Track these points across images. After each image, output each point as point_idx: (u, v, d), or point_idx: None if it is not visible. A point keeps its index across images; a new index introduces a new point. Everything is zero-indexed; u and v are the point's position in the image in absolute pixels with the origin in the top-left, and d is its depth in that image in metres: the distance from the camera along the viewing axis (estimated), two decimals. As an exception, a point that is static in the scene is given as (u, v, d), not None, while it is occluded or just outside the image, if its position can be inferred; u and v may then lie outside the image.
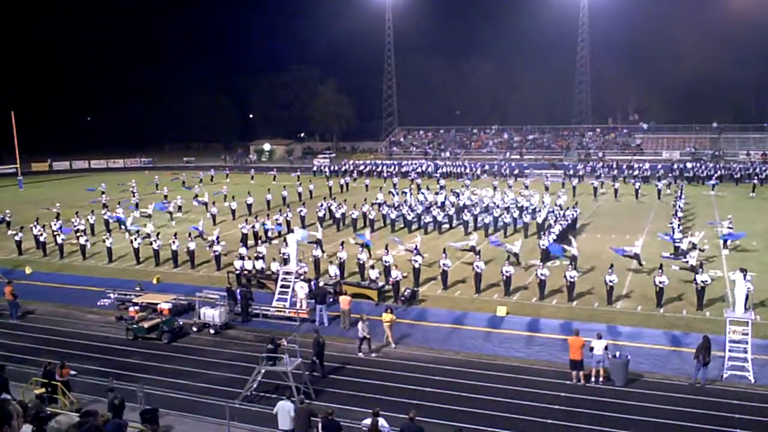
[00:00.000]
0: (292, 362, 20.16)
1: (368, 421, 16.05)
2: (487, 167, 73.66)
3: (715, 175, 61.40)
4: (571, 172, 66.13)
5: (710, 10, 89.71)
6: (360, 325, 23.53)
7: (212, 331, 26.51)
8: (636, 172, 64.06)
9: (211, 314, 26.80)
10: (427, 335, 25.58)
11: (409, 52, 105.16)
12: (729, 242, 36.04)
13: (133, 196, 56.66)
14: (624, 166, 69.05)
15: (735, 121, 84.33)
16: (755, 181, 57.57)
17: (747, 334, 21.09)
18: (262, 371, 20.40)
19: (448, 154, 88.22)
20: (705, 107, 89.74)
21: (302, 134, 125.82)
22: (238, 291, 28.54)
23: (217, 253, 35.31)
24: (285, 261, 30.37)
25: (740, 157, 75.42)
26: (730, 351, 21.04)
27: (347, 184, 64.24)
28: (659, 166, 66.33)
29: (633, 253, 32.30)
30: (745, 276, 22.13)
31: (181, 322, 26.86)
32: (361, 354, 23.64)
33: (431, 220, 43.49)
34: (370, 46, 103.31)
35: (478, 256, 30.91)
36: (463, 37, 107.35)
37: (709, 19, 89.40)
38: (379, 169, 74.58)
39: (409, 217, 44.00)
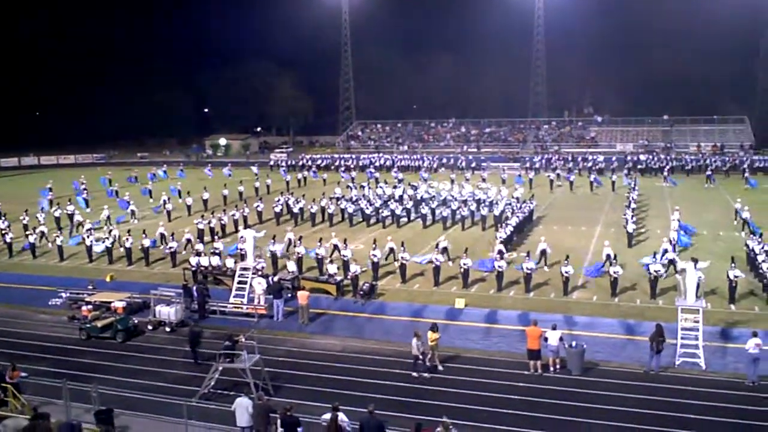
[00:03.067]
0: (251, 359, 19.94)
1: (328, 416, 15.97)
2: (444, 160, 74.05)
3: (667, 167, 62.66)
4: (528, 164, 66.89)
5: (662, 4, 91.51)
6: (414, 342, 20.98)
7: (168, 329, 26.07)
8: (590, 164, 65.10)
9: (167, 312, 26.35)
10: (387, 329, 25.58)
11: (366, 46, 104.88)
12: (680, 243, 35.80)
13: (85, 194, 55.33)
14: (579, 159, 70.14)
15: (686, 113, 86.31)
16: (708, 173, 58.82)
17: (698, 322, 21.59)
18: (220, 368, 20.13)
19: (405, 147, 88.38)
20: (658, 100, 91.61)
21: (259, 129, 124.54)
22: (194, 288, 28.10)
23: (172, 250, 34.73)
24: (242, 257, 30.04)
25: (691, 149, 77.21)
26: (682, 338, 21.50)
27: (305, 178, 63.87)
28: (613, 159, 67.49)
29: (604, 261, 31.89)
30: (695, 265, 22.64)
31: (135, 321, 26.32)
32: (414, 374, 21.17)
33: (389, 213, 43.53)
34: (327, 39, 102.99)
35: (436, 249, 31.01)
36: (420, 31, 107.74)
37: (661, 14, 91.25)
38: (336, 164, 74.41)
39: (367, 211, 43.98)
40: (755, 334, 20.28)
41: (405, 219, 43.94)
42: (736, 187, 54.49)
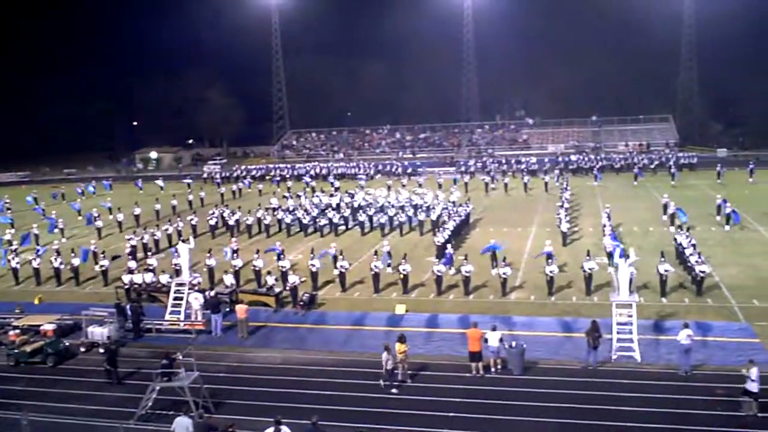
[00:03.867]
0: (189, 376, 19.44)
1: (271, 430, 15.69)
2: (380, 167, 74.27)
3: (597, 167, 64.38)
4: (463, 168, 67.70)
5: (590, 8, 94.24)
6: (384, 356, 20.31)
7: (102, 351, 25.17)
8: (523, 166, 66.35)
9: (100, 332, 25.49)
10: (328, 338, 25.38)
11: (298, 53, 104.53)
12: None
13: (9, 212, 53.18)
14: (513, 161, 71.37)
15: (614, 114, 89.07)
16: (636, 171, 60.67)
17: (632, 316, 22.17)
18: (157, 388, 19.55)
19: (341, 155, 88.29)
20: (586, 101, 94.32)
21: (191, 140, 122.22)
22: (128, 306, 27.27)
23: (103, 268, 33.63)
24: (177, 272, 29.32)
25: (620, 148, 79.61)
26: (617, 333, 22.03)
27: (240, 190, 63.01)
28: (546, 160, 68.93)
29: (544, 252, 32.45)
30: (627, 261, 23.23)
31: (67, 343, 25.34)
32: (382, 384, 20.53)
33: (327, 222, 43.29)
34: (257, 47, 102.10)
35: (375, 256, 30.97)
36: (352, 37, 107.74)
37: (588, 17, 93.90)
38: (272, 174, 73.68)
39: (304, 221, 43.64)
40: (686, 326, 20.95)
41: (343, 227, 43.79)
42: (663, 183, 56.36)
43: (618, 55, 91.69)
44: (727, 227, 38.90)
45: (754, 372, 17.81)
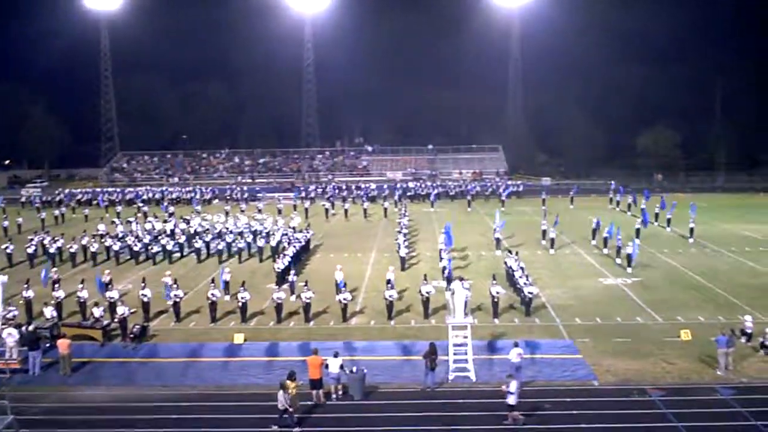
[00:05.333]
0: (3, 421, 17.49)
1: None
2: (218, 192, 72.44)
3: (434, 193, 66.73)
4: (303, 194, 67.59)
5: (425, 42, 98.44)
6: (280, 395, 19.02)
7: None
8: (363, 193, 67.38)
9: None
10: (161, 372, 23.88)
11: (130, 72, 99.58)
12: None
13: None
14: (353, 187, 72.30)
15: (448, 143, 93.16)
16: (469, 198, 63.60)
17: (467, 338, 22.86)
18: (-40, 437, 17.41)
19: (176, 179, 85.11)
20: (423, 130, 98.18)
21: (8, 161, 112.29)
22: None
23: None
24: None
25: (454, 176, 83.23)
26: (453, 354, 22.61)
27: (62, 215, 58.72)
28: (385, 186, 70.44)
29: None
30: (462, 284, 24.04)
31: None
32: (274, 427, 19.20)
33: (160, 249, 41.25)
34: (86, 64, 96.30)
35: (212, 284, 29.82)
36: (188, 59, 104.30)
37: (425, 50, 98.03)
38: (99, 198, 69.35)
39: (135, 248, 41.29)
40: (516, 345, 21.98)
41: (178, 254, 41.96)
42: (494, 210, 59.34)
43: (453, 87, 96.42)
44: (552, 251, 41.58)
45: (513, 386, 18.89)
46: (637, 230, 44.27)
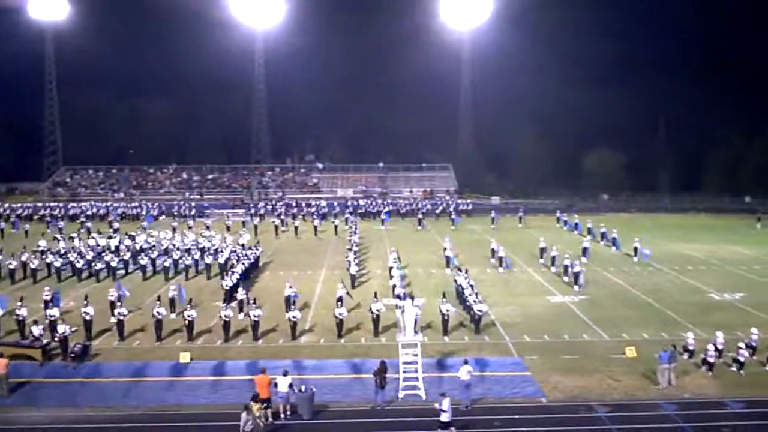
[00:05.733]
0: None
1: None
2: (165, 208, 71.19)
3: (385, 211, 66.81)
4: (253, 211, 66.89)
5: (375, 60, 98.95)
6: (243, 416, 18.38)
7: None
8: (314, 210, 67.06)
9: None
10: (104, 393, 23.12)
11: (75, 85, 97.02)
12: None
13: None
14: (303, 204, 71.90)
15: (399, 161, 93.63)
16: (420, 216, 63.92)
17: (417, 355, 22.82)
18: None
19: (122, 194, 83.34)
20: (374, 148, 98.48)
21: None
22: None
23: None
24: None
25: (405, 194, 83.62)
26: (404, 372, 22.52)
27: (2, 230, 56.83)
28: (335, 204, 70.26)
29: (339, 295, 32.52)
30: (412, 302, 24.05)
31: None
32: None
33: (104, 266, 40.18)
34: (29, 76, 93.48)
35: (158, 302, 29.11)
36: (136, 73, 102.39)
37: (376, 67, 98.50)
38: (42, 213, 67.38)
39: (78, 265, 40.09)
40: (466, 362, 22.01)
41: (122, 271, 40.92)
42: (445, 228, 59.81)
43: (405, 106, 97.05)
44: (500, 269, 41.98)
45: (445, 404, 18.98)
46: (584, 249, 45.09)
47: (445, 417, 18.87)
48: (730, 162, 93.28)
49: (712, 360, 24.12)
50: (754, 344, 25.59)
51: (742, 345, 24.69)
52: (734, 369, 24.24)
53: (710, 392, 22.58)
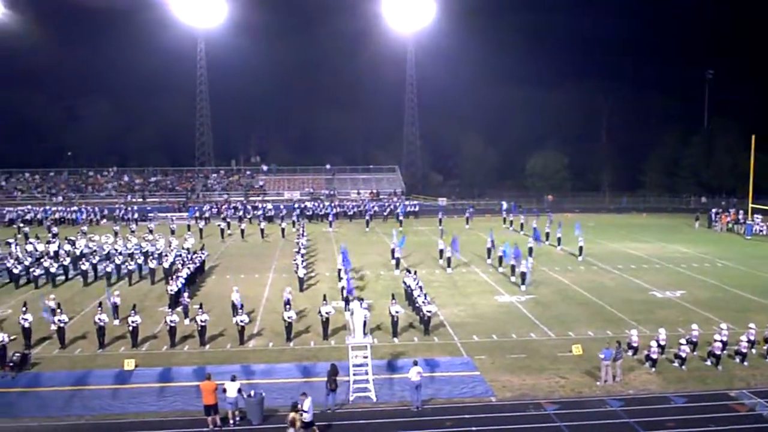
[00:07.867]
0: None
1: None
2: (106, 212, 69.49)
3: (332, 213, 66.55)
4: (197, 214, 65.81)
5: (321, 63, 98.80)
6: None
7: None
8: (260, 212, 66.35)
9: None
10: (44, 402, 22.32)
11: (7, 86, 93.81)
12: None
13: None
14: (249, 207, 71.04)
15: (346, 163, 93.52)
16: (367, 218, 63.93)
17: (367, 357, 22.76)
18: None
19: (60, 198, 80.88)
20: (321, 150, 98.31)
21: None
22: None
23: None
24: None
25: (352, 196, 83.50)
26: (354, 374, 22.43)
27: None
28: (282, 206, 69.68)
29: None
30: (361, 304, 23.97)
31: None
32: None
33: (43, 272, 38.88)
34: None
35: (100, 309, 28.29)
36: (73, 74, 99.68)
37: (311, 72, 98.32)
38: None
39: (15, 271, 38.72)
40: (416, 363, 22.00)
41: (62, 277, 39.69)
42: (392, 229, 59.87)
43: (350, 108, 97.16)
44: (449, 270, 42.26)
45: (306, 404, 18.99)
46: (530, 249, 45.75)
47: (306, 417, 18.76)
48: (669, 162, 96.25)
49: (655, 356, 24.77)
50: (695, 340, 26.41)
51: (683, 341, 25.46)
52: (676, 365, 24.93)
53: (654, 388, 23.16)
